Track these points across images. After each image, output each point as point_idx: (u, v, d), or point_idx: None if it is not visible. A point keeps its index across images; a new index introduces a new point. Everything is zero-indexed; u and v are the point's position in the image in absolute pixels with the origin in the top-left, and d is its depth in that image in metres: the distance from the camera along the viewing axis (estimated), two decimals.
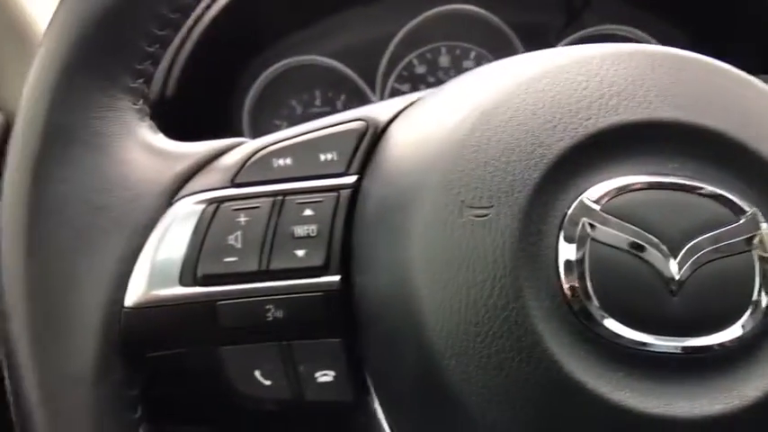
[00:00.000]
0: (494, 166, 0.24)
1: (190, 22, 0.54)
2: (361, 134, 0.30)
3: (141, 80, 0.30)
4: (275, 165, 0.29)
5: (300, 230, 0.28)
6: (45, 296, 0.26)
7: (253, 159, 0.30)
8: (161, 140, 0.30)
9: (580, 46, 0.28)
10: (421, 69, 0.74)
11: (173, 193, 0.29)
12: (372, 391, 0.28)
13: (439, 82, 0.74)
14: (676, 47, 0.28)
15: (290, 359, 0.28)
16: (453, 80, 0.31)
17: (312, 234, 0.28)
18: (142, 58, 0.30)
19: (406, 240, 0.25)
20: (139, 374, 0.28)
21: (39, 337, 0.26)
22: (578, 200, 0.24)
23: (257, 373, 0.28)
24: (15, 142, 0.28)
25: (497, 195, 0.24)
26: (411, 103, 0.32)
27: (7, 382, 0.27)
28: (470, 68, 0.74)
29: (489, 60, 0.72)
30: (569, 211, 0.24)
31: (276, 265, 0.27)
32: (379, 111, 0.31)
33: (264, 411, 0.29)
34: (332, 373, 0.28)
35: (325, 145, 0.30)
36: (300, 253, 0.28)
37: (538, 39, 0.68)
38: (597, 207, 0.24)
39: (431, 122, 0.28)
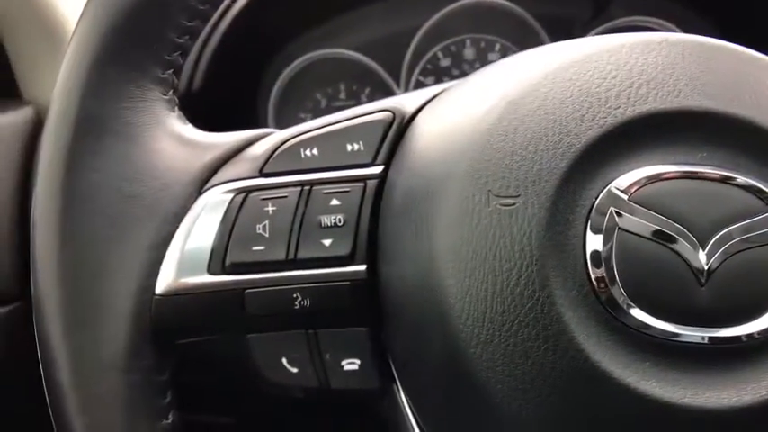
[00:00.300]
0: (521, 155, 0.24)
1: (216, 15, 0.54)
2: (388, 125, 0.30)
3: (171, 71, 0.30)
4: (302, 155, 0.30)
5: (327, 220, 0.28)
6: (78, 283, 0.27)
7: (280, 150, 0.30)
8: (190, 131, 0.31)
9: (608, 35, 0.27)
10: (446, 62, 0.73)
11: (202, 183, 0.30)
12: (397, 379, 0.28)
13: (464, 75, 0.73)
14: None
15: (317, 347, 0.28)
16: (479, 71, 0.31)
17: (339, 224, 0.28)
18: (172, 50, 0.30)
19: (432, 230, 0.25)
20: (169, 360, 0.29)
21: (71, 324, 0.27)
22: (606, 189, 0.24)
23: (284, 361, 0.28)
24: (48, 134, 0.28)
25: (525, 185, 0.24)
26: (437, 94, 0.32)
27: (41, 367, 0.27)
28: (495, 60, 0.74)
29: (514, 53, 0.72)
30: (597, 201, 0.24)
31: (303, 254, 0.28)
32: (405, 102, 0.31)
33: (290, 400, 0.30)
34: (357, 361, 0.28)
35: (351, 135, 0.30)
36: (327, 242, 0.28)
37: (564, 31, 0.67)
38: (625, 196, 0.23)
39: (457, 113, 0.28)
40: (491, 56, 0.73)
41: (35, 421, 0.36)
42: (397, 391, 0.29)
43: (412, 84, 0.72)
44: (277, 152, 0.30)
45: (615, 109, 0.24)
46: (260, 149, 0.30)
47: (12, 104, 0.53)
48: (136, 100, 0.29)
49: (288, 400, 0.30)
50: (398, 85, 0.71)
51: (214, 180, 0.30)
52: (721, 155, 0.24)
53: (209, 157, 0.30)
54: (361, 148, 0.30)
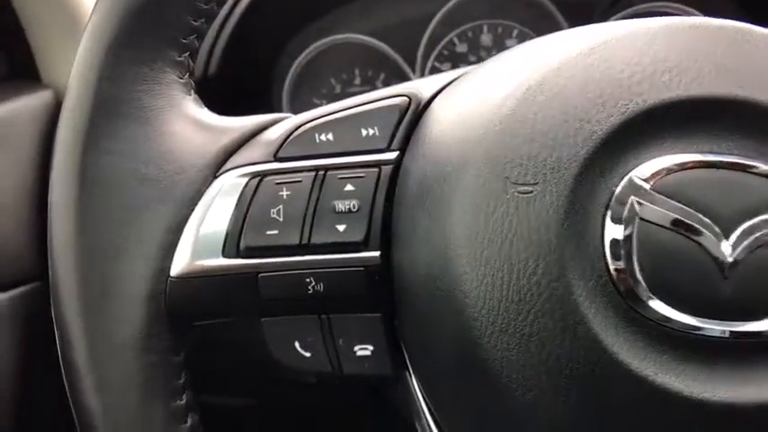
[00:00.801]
0: (540, 142, 0.24)
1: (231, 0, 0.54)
2: (404, 110, 0.30)
3: (187, 54, 0.30)
4: (317, 140, 0.29)
5: (341, 205, 0.28)
6: (94, 266, 0.27)
7: (295, 134, 0.30)
8: (206, 114, 0.31)
9: (631, 20, 0.27)
10: (462, 48, 0.73)
11: (217, 167, 0.29)
12: (410, 366, 0.28)
13: (480, 61, 0.72)
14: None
15: (330, 332, 0.28)
16: (498, 55, 0.31)
17: (353, 209, 0.28)
18: (188, 33, 0.30)
19: (446, 217, 0.25)
20: (184, 342, 0.29)
21: (87, 306, 0.27)
22: (627, 178, 0.23)
23: (297, 345, 0.28)
24: (64, 117, 0.29)
25: (543, 172, 0.23)
26: (454, 79, 0.31)
27: (58, 347, 0.28)
28: (513, 47, 0.73)
29: (532, 39, 0.71)
30: (617, 190, 0.23)
31: (317, 239, 0.28)
32: (421, 86, 0.31)
33: (303, 384, 0.30)
34: (370, 347, 0.28)
35: (367, 120, 0.30)
36: (341, 227, 0.28)
37: (583, 17, 0.66)
38: (647, 185, 0.23)
39: (475, 98, 0.27)
40: (508, 42, 0.72)
41: (55, 399, 0.37)
42: (409, 377, 0.29)
43: (427, 70, 0.71)
44: (292, 137, 0.30)
45: (638, 96, 0.24)
46: (275, 134, 0.30)
47: (31, 88, 0.53)
48: (151, 83, 0.29)
49: (301, 384, 0.30)
50: (414, 72, 0.71)
51: (229, 164, 0.29)
52: (748, 144, 0.24)
53: (224, 140, 0.30)
54: (377, 134, 0.29)
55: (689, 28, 0.25)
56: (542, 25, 0.69)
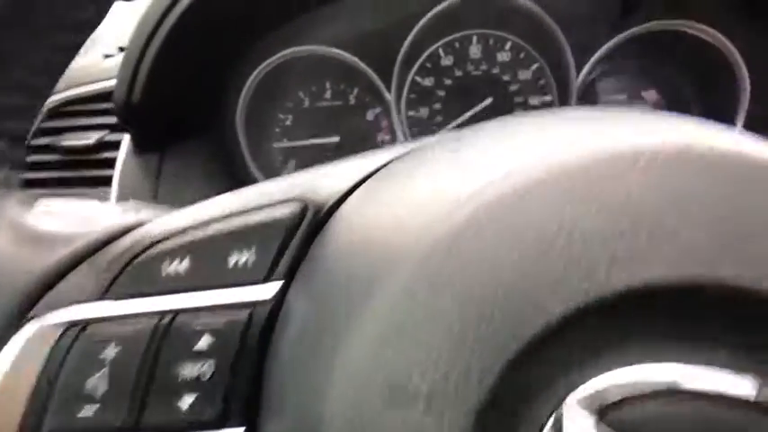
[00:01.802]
0: (444, 328, 0.16)
1: (162, 10, 0.46)
2: (295, 224, 0.22)
3: (3, 140, 0.22)
4: (164, 271, 0.22)
5: (189, 370, 0.20)
6: None
7: (137, 261, 0.22)
8: (32, 218, 0.23)
9: (621, 135, 0.18)
10: (447, 61, 0.64)
11: (30, 303, 0.22)
12: None
13: (467, 75, 0.63)
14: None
15: None
16: (421, 147, 0.23)
17: (204, 377, 0.20)
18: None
19: (324, 391, 0.17)
20: None
21: None
22: (565, 403, 0.15)
23: None
24: None
25: (442, 383, 0.16)
26: (372, 173, 0.23)
27: None
28: (505, 61, 0.64)
29: (526, 52, 0.62)
30: (549, 423, 0.15)
31: (150, 418, 0.20)
32: (325, 184, 0.23)
33: None
34: None
35: (240, 240, 0.22)
36: (185, 403, 0.20)
37: (583, 30, 0.57)
38: (591, 418, 0.15)
39: (387, 215, 0.20)
40: (500, 55, 0.63)
41: None
42: None
43: (406, 85, 0.63)
44: (132, 264, 0.22)
45: (589, 280, 0.16)
46: (109, 257, 0.22)
47: None
48: None
49: None
50: (389, 88, 0.62)
51: (44, 302, 0.22)
52: (746, 359, 0.16)
53: (46, 260, 0.22)
54: (250, 260, 0.22)
55: (691, 159, 0.17)
56: (538, 38, 0.60)
